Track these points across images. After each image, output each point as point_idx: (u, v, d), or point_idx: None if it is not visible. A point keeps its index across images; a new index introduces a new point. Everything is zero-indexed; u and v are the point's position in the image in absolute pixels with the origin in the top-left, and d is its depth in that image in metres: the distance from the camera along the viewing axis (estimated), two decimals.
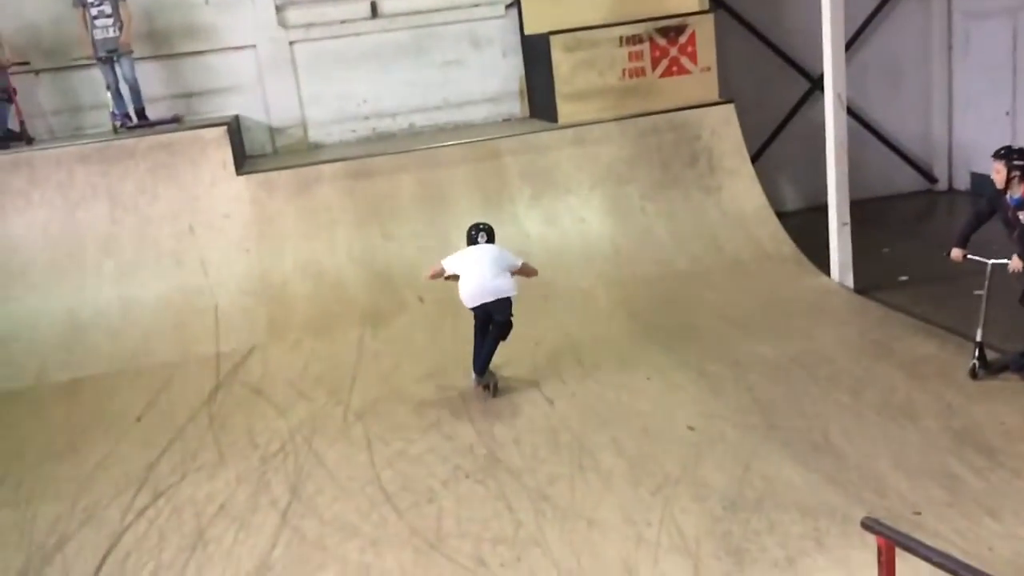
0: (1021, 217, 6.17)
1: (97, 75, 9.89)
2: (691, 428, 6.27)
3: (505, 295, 7.19)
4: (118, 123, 9.75)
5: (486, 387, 7.37)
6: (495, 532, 5.27)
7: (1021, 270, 6.23)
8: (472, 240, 7.50)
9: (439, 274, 7.38)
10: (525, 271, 7.49)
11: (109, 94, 9.76)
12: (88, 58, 9.74)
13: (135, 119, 9.79)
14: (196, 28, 10.71)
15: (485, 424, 6.66)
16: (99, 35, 9.51)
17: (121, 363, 8.30)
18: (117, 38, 9.51)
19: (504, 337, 7.38)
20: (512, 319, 7.27)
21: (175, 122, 9.95)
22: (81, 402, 7.72)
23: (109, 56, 9.57)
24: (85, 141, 9.49)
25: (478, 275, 7.17)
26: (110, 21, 9.45)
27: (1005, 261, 6.29)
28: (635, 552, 4.94)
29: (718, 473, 5.65)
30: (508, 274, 7.26)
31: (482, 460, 6.13)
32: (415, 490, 5.82)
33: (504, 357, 7.79)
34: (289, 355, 8.32)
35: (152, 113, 10.02)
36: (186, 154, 9.27)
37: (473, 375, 7.36)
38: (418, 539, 5.27)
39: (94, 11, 9.46)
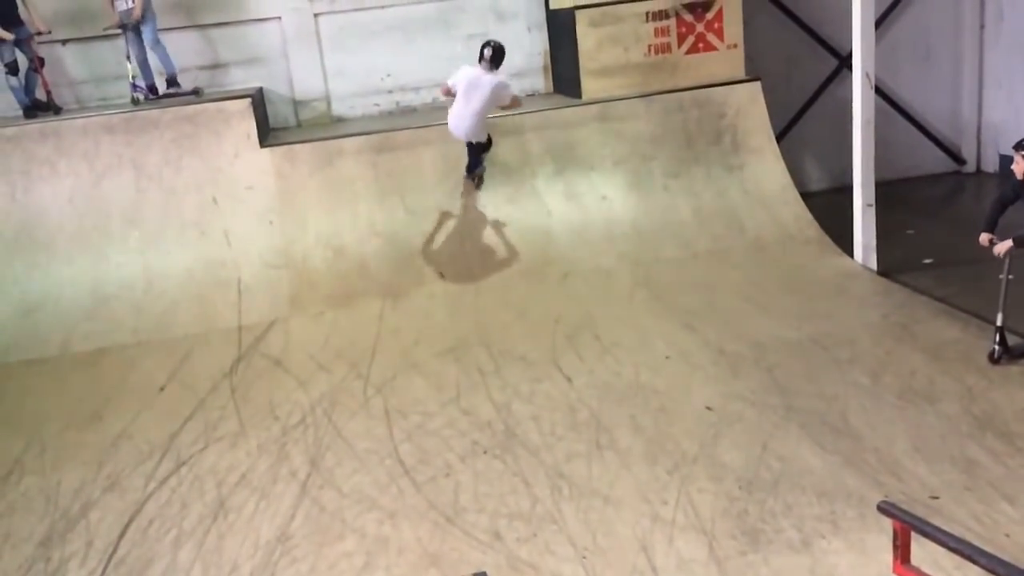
0: None
1: (123, 45, 9.91)
2: (709, 408, 6.27)
3: (476, 139, 8.75)
4: (140, 96, 9.76)
5: (472, 179, 9.26)
6: (512, 508, 5.32)
7: (1003, 252, 6.24)
8: (480, 55, 8.54)
9: (448, 92, 8.71)
10: (513, 104, 8.75)
11: (129, 65, 9.76)
12: (113, 27, 9.74)
13: (161, 89, 9.80)
14: None
15: (503, 400, 6.69)
16: (121, 6, 9.52)
17: (145, 334, 8.40)
18: (132, 10, 9.50)
19: (486, 150, 9.05)
20: (489, 140, 8.92)
21: (195, 95, 9.95)
22: (105, 372, 7.81)
23: (134, 26, 9.57)
24: (111, 111, 9.55)
25: (459, 111, 8.61)
26: None
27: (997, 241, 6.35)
28: (651, 530, 4.97)
29: (735, 453, 5.66)
30: (485, 118, 8.63)
31: (500, 436, 6.17)
32: (433, 464, 5.87)
33: (523, 334, 7.84)
34: (310, 328, 8.38)
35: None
36: (210, 125, 9.31)
37: (464, 175, 9.22)
38: (435, 513, 5.33)
39: None
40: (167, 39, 10.07)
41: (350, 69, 11.19)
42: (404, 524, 5.26)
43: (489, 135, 9.05)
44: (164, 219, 9.14)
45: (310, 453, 6.16)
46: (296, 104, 11.21)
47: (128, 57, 9.78)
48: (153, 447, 6.42)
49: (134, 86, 9.78)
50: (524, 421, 6.34)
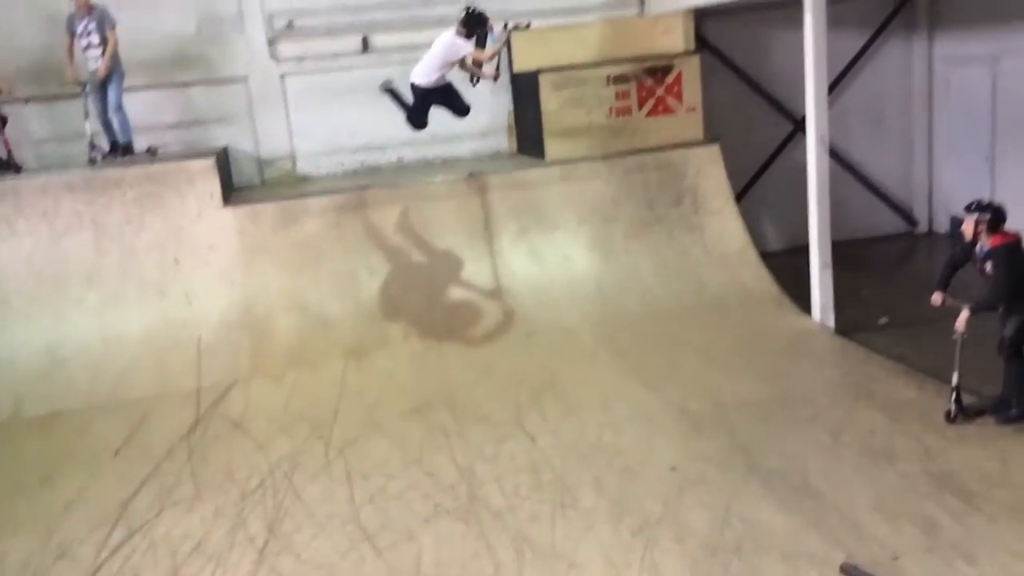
0: (987, 268, 6.29)
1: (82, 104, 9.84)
2: (673, 468, 6.27)
3: (417, 81, 8.59)
4: (98, 156, 9.60)
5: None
6: (474, 573, 5.24)
7: (962, 324, 6.36)
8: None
9: None
10: (476, 62, 8.52)
11: (87, 124, 9.66)
12: (73, 83, 9.63)
13: (117, 151, 9.73)
14: (188, 59, 10.79)
15: (467, 461, 6.63)
16: (91, 66, 9.49)
17: (100, 396, 8.24)
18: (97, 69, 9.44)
19: (410, 106, 8.85)
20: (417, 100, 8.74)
21: (150, 154, 9.87)
22: (57, 436, 7.63)
23: (100, 85, 9.53)
24: (72, 170, 9.47)
25: (420, 63, 8.58)
26: (98, 52, 9.39)
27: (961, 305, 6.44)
28: None
29: (699, 514, 5.65)
30: (431, 75, 8.49)
31: (463, 498, 6.10)
32: (394, 528, 5.78)
33: (487, 394, 7.82)
34: (271, 389, 8.28)
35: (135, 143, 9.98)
36: (173, 184, 9.26)
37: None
38: None
39: (83, 41, 9.42)
40: (133, 97, 10.07)
41: (316, 128, 11.28)
42: None
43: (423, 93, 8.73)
44: (124, 279, 9.02)
45: (268, 518, 6.03)
46: (261, 163, 11.25)
47: (86, 116, 9.71)
48: (106, 514, 6.24)
49: (92, 146, 9.66)
50: (487, 483, 6.28)
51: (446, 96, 8.81)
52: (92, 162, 9.58)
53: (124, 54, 9.65)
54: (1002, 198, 9.67)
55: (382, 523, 5.85)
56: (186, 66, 10.81)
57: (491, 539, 5.57)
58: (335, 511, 6.05)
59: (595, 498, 5.95)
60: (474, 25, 8.40)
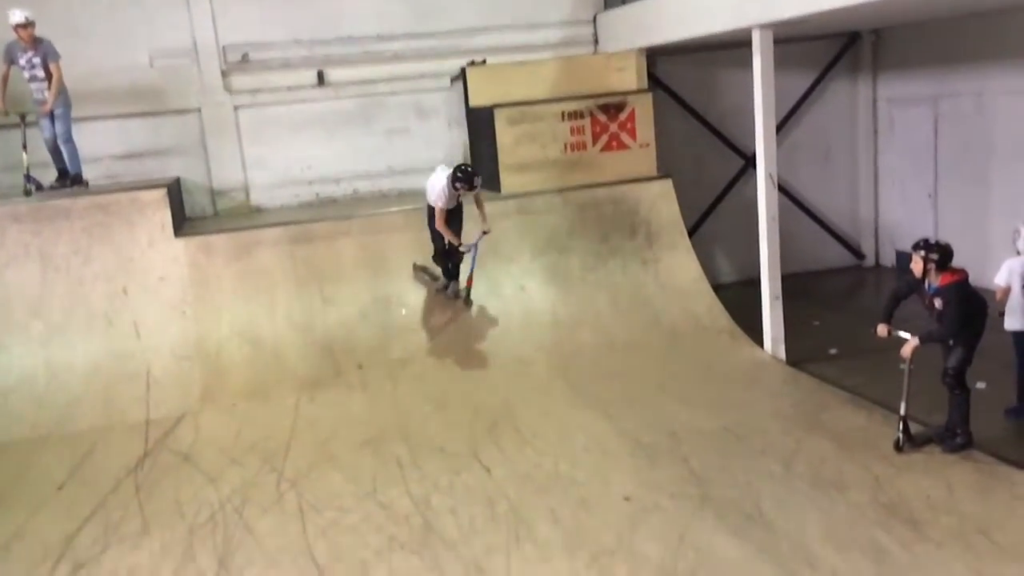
0: (936, 304, 6.46)
1: (39, 134, 9.64)
2: (627, 499, 6.28)
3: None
4: (32, 188, 9.43)
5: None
6: None
7: (909, 353, 6.51)
8: None
9: None
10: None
11: (24, 155, 9.45)
12: (2, 114, 9.38)
13: (66, 180, 9.57)
14: (141, 90, 10.73)
15: (421, 493, 6.57)
16: (36, 96, 9.34)
17: (45, 429, 8.03)
18: (44, 101, 9.28)
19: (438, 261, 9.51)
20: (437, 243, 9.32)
21: (82, 185, 9.66)
22: None
23: (49, 117, 9.35)
24: (19, 199, 9.30)
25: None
26: (43, 85, 9.23)
27: (906, 336, 6.59)
28: None
29: (654, 544, 5.65)
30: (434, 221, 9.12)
31: (417, 530, 6.04)
32: (347, 561, 5.69)
33: (443, 426, 7.78)
34: (222, 421, 8.14)
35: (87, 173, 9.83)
36: (123, 215, 9.14)
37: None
38: None
39: (27, 74, 9.25)
40: (85, 128, 9.95)
41: (270, 160, 11.26)
42: None
43: (447, 250, 9.32)
44: (70, 310, 8.85)
45: (218, 553, 5.90)
46: (214, 194, 11.16)
47: (24, 147, 9.52)
48: (49, 550, 6.05)
49: (28, 177, 9.45)
50: (443, 514, 6.23)
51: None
52: (27, 194, 9.38)
53: (76, 85, 9.55)
54: (945, 233, 10.08)
55: (335, 557, 5.76)
56: (139, 97, 10.73)
57: (446, 572, 5.51)
58: (287, 545, 5.95)
59: (550, 529, 5.93)
60: (455, 177, 8.90)
